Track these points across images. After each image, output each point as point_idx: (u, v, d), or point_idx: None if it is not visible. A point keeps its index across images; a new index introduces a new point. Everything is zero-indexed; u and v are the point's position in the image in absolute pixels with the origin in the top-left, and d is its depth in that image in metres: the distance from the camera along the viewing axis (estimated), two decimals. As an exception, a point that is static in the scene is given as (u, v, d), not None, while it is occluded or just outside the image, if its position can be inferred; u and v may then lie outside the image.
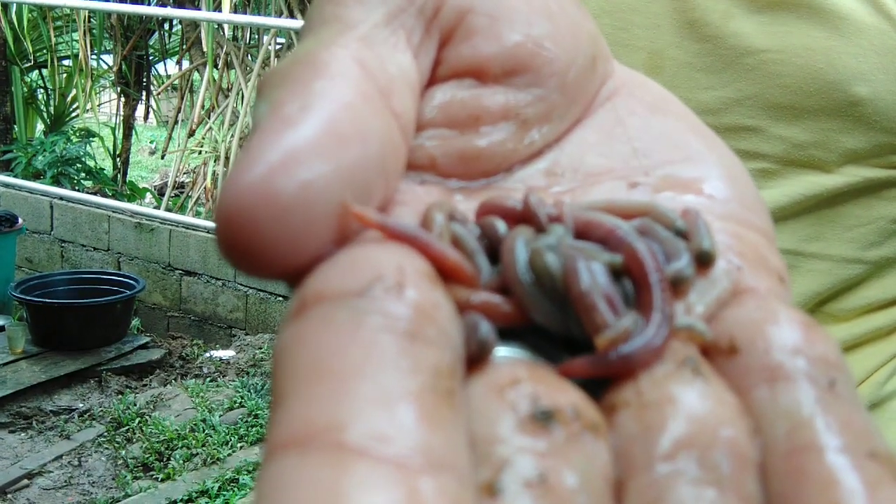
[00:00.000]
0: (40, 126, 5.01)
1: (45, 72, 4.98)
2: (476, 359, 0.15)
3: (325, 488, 0.11)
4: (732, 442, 0.14)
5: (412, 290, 0.14)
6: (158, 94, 5.20)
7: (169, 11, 4.01)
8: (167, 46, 4.86)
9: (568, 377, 0.15)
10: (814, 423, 0.14)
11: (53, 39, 4.52)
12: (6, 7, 4.35)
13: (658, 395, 0.14)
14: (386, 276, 0.14)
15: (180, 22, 4.33)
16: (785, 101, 0.44)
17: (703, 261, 0.17)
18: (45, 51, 4.71)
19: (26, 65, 4.81)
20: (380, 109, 0.16)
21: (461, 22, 0.19)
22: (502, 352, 0.16)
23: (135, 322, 3.06)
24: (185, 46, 4.28)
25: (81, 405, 2.55)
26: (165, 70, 4.98)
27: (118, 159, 4.72)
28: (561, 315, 0.16)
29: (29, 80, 4.98)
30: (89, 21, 4.36)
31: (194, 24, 4.02)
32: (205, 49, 3.93)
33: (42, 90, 5.07)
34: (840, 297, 0.47)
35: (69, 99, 4.99)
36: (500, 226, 0.17)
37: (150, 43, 4.85)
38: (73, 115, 5.00)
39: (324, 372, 0.13)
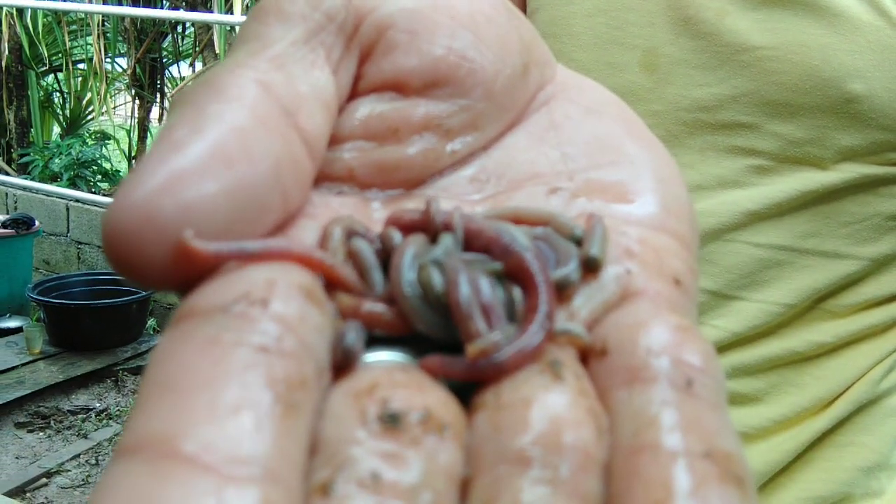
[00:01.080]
0: (56, 129, 5.06)
1: (60, 76, 5.02)
2: (342, 366, 0.15)
3: (141, 493, 0.12)
4: (577, 442, 0.14)
5: (277, 303, 0.14)
6: (172, 96, 5.23)
7: (181, 14, 4.04)
8: (180, 49, 4.90)
9: (432, 375, 0.16)
10: (658, 423, 0.14)
11: (68, 43, 4.57)
12: (21, 12, 4.40)
13: (514, 398, 0.15)
14: (253, 291, 0.14)
15: (193, 25, 4.36)
16: (780, 97, 0.44)
17: (591, 266, 0.17)
18: (60, 55, 4.76)
19: (42, 69, 4.86)
20: (278, 129, 0.17)
21: (381, 37, 0.20)
22: (384, 356, 0.16)
23: (150, 322, 3.08)
24: (197, 49, 4.31)
25: (98, 405, 2.58)
26: (179, 72, 5.02)
27: (134, 161, 4.76)
28: (444, 325, 0.16)
29: (45, 83, 5.03)
30: (103, 25, 4.40)
31: (207, 27, 4.05)
32: (217, 51, 3.96)
33: (58, 94, 5.12)
34: (837, 293, 0.47)
35: (84, 102, 5.04)
36: (396, 237, 0.18)
37: (164, 46, 4.89)
38: (89, 118, 5.05)
39: (172, 385, 0.13)
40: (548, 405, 0.15)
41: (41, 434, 2.42)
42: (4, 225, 3.03)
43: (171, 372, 0.13)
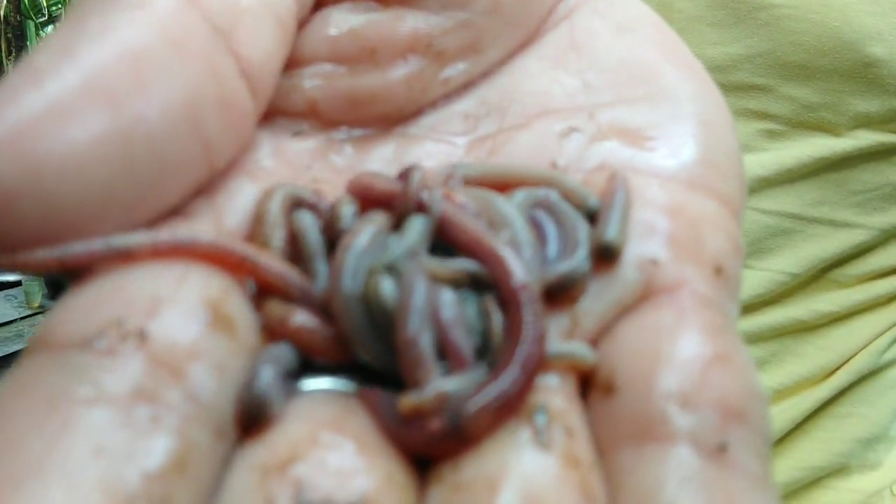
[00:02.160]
0: (56, 82, 5.03)
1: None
2: (252, 421, 0.11)
3: None
4: None
5: (161, 334, 0.11)
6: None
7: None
8: None
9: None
10: None
11: (68, -6, 4.51)
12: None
13: (477, 473, 0.11)
14: (129, 315, 0.11)
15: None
16: (797, 59, 0.43)
17: (606, 255, 0.13)
18: (59, 5, 4.70)
19: (41, 19, 4.80)
20: (199, 53, 0.13)
21: None
22: (323, 385, 0.12)
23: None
24: None
25: (95, 359, 2.60)
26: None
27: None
28: (392, 355, 0.12)
29: (44, 34, 4.97)
30: (104, -25, 4.34)
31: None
32: None
33: (57, 45, 5.08)
34: (843, 263, 0.46)
35: (84, 55, 5.00)
36: (347, 215, 0.14)
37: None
38: (89, 71, 5.01)
39: (7, 455, 0.10)
40: (523, 484, 0.11)
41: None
42: None
43: (9, 433, 0.10)
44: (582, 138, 0.16)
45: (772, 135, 0.44)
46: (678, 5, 0.45)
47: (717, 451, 0.11)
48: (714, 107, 0.16)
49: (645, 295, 0.13)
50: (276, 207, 0.13)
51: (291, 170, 0.15)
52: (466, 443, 0.11)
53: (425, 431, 0.11)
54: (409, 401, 0.11)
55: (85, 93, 0.11)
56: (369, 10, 0.15)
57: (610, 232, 0.13)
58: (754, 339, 0.47)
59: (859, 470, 0.49)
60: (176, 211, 0.13)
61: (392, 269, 0.13)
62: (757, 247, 0.46)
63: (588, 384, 0.12)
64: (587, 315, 0.13)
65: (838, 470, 0.48)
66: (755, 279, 0.46)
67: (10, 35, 4.68)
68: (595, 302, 0.13)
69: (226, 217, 0.14)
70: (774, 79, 0.43)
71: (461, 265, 0.13)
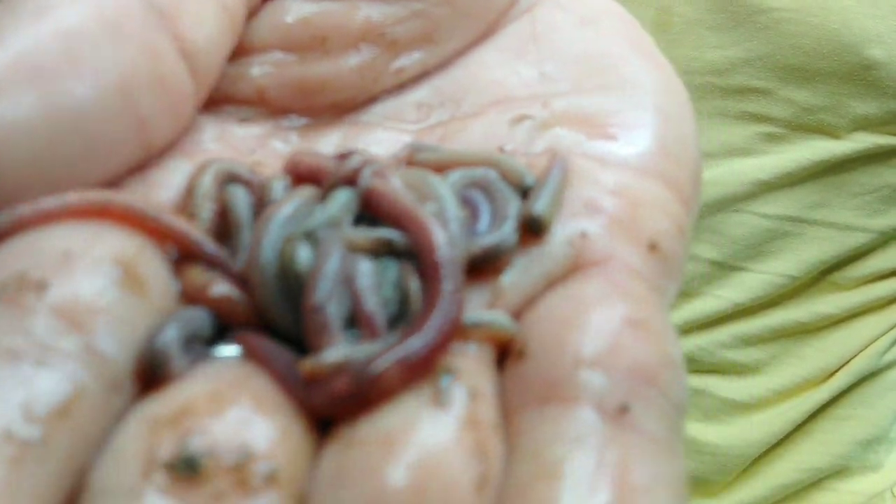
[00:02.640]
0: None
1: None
2: (153, 377, 0.11)
3: None
4: (446, 498, 0.10)
5: (62, 286, 0.11)
6: None
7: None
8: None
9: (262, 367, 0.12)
10: (560, 473, 0.10)
11: None
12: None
13: (371, 432, 0.11)
14: (32, 269, 0.11)
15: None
16: (797, 62, 0.43)
17: (534, 228, 0.13)
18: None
19: None
20: (137, 35, 0.13)
21: None
22: (236, 352, 0.12)
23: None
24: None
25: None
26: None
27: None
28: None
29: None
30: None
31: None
32: None
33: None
34: (843, 266, 0.46)
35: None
36: (278, 188, 0.14)
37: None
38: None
39: None
40: (416, 443, 0.11)
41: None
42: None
43: None
44: (533, 125, 0.15)
45: (771, 138, 0.44)
46: (677, 9, 0.45)
47: (619, 413, 0.11)
48: (675, 99, 0.16)
49: (574, 268, 0.13)
50: (207, 180, 0.14)
51: (234, 153, 0.15)
52: (369, 404, 0.11)
53: (326, 392, 0.11)
54: (309, 363, 0.11)
55: (14, 70, 0.12)
56: (321, 0, 0.15)
57: (539, 205, 0.14)
58: (754, 341, 0.47)
59: (860, 471, 0.49)
60: (109, 186, 0.13)
61: (311, 238, 0.13)
62: (757, 250, 0.46)
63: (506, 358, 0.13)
64: (512, 287, 0.13)
65: (839, 471, 0.48)
66: (755, 282, 0.46)
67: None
68: (521, 274, 0.13)
69: (158, 192, 0.14)
70: (774, 82, 0.44)
71: (382, 233, 0.13)
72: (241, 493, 0.10)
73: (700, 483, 0.48)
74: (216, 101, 0.15)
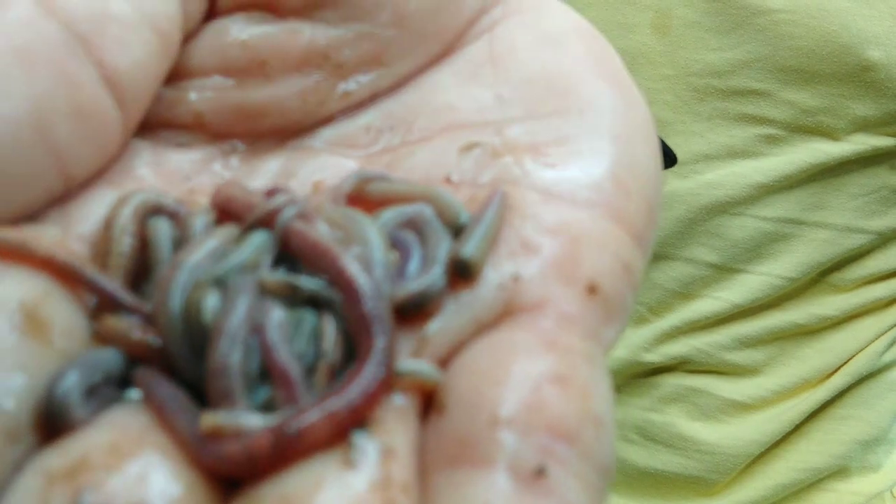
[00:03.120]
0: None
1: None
2: (54, 427, 0.11)
3: None
4: None
5: None
6: None
7: None
8: None
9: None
10: None
11: None
12: None
13: (273, 493, 0.10)
14: None
15: None
16: (796, 64, 0.43)
17: (463, 272, 0.13)
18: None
19: None
20: (51, 63, 0.12)
21: None
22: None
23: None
24: None
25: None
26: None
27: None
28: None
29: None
30: None
31: None
32: None
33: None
34: (841, 267, 0.47)
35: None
36: (198, 227, 0.13)
37: None
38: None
39: None
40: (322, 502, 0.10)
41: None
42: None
43: None
44: (482, 153, 0.15)
45: (771, 140, 0.44)
46: (676, 12, 0.45)
47: (534, 476, 0.10)
48: (634, 122, 0.15)
49: (506, 313, 0.13)
50: (127, 213, 0.13)
51: (167, 180, 0.14)
52: (269, 467, 0.11)
53: (223, 452, 0.11)
54: (210, 419, 0.11)
55: None
56: (263, 22, 0.15)
57: (467, 248, 0.13)
58: (753, 342, 0.48)
59: (859, 472, 0.49)
60: (28, 219, 0.13)
61: (221, 284, 0.12)
62: (756, 252, 0.46)
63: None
64: (439, 335, 0.13)
65: (838, 472, 0.48)
66: (754, 283, 0.46)
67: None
68: (449, 321, 0.13)
69: (77, 224, 0.13)
70: (773, 83, 0.44)
71: (299, 281, 0.12)
72: None
73: (699, 483, 0.48)
74: (152, 126, 0.15)
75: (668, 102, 0.46)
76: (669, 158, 0.45)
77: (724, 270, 0.47)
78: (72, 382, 0.11)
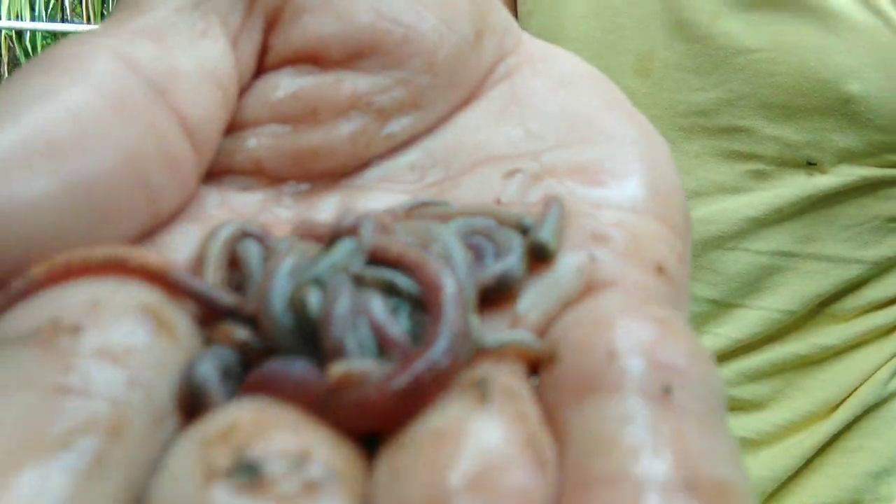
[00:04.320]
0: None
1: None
2: (194, 408, 0.12)
3: None
4: (508, 486, 0.10)
5: (96, 331, 0.11)
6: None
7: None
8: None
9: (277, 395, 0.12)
10: (617, 444, 0.10)
11: (67, 64, 4.61)
12: (20, 35, 4.43)
13: (420, 432, 0.11)
14: (67, 315, 0.11)
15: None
16: (777, 100, 0.44)
17: (540, 254, 0.14)
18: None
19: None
20: (139, 113, 0.14)
21: (288, 0, 0.16)
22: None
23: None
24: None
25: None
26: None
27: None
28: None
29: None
30: (102, 45, 4.44)
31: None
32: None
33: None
34: (839, 297, 0.47)
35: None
36: (284, 244, 0.14)
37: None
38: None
39: None
40: (467, 438, 0.11)
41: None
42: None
43: None
44: (524, 178, 0.16)
45: (759, 175, 0.45)
46: (658, 54, 0.46)
47: (662, 394, 0.11)
48: (656, 147, 0.17)
49: (587, 291, 0.14)
50: (221, 238, 0.14)
51: (238, 217, 0.16)
52: (404, 412, 0.11)
53: (360, 398, 0.11)
54: (337, 368, 0.11)
55: (29, 148, 0.12)
56: (310, 74, 0.16)
57: (543, 233, 0.14)
58: (757, 376, 0.47)
59: (872, 504, 0.48)
60: None
61: (319, 283, 0.13)
62: (753, 286, 0.46)
63: (537, 372, 0.13)
64: (529, 311, 0.14)
65: (851, 505, 0.48)
66: (753, 318, 0.46)
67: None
68: (536, 298, 0.14)
69: (168, 255, 0.14)
70: (757, 120, 0.44)
71: (390, 275, 0.13)
72: (306, 495, 0.10)
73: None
74: (216, 173, 0.16)
75: None
76: None
77: (722, 306, 0.47)
78: (209, 366, 0.12)
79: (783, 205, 0.45)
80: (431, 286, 0.13)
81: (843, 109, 0.43)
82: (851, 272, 0.46)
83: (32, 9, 3.83)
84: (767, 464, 0.47)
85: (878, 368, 0.47)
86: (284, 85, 0.16)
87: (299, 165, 0.16)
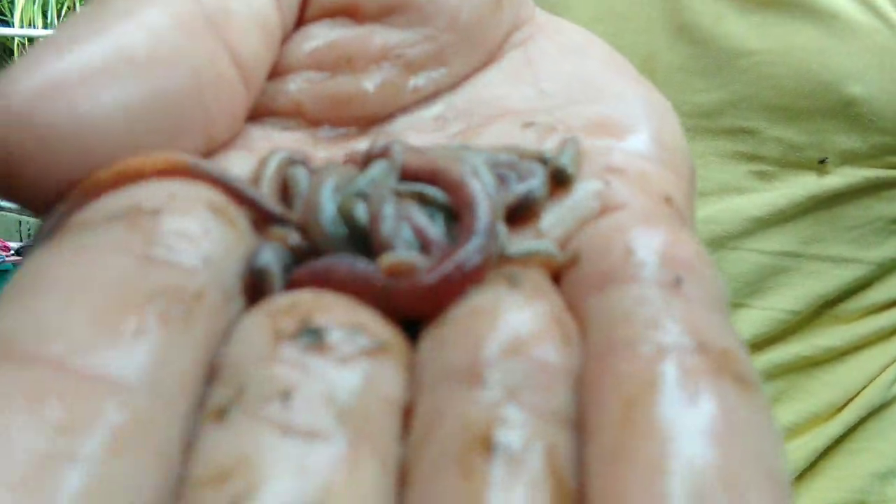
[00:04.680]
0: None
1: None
2: (257, 291, 0.13)
3: None
4: (539, 353, 0.12)
5: (174, 215, 0.13)
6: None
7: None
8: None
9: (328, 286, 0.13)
10: (635, 317, 0.12)
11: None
12: (32, 42, 4.47)
13: (461, 310, 0.13)
14: (147, 202, 0.13)
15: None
16: (780, 102, 0.44)
17: (560, 179, 0.15)
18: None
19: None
20: (201, 38, 0.15)
21: None
22: None
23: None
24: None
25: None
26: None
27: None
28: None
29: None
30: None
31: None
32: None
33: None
34: (843, 298, 0.47)
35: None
36: (328, 169, 0.16)
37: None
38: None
39: (38, 288, 0.11)
40: (502, 314, 0.12)
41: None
42: (18, 252, 3.06)
43: (39, 276, 0.11)
44: (540, 128, 0.18)
45: (762, 175, 0.45)
46: (661, 56, 0.47)
47: (674, 284, 0.12)
48: (661, 105, 0.19)
49: (602, 211, 0.15)
50: (274, 161, 0.16)
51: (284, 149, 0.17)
52: (445, 297, 0.13)
53: (409, 284, 0.13)
54: (388, 258, 0.13)
55: (112, 62, 0.14)
56: (345, 26, 0.18)
57: (563, 159, 0.16)
58: (762, 377, 0.47)
59: (878, 505, 0.48)
60: None
61: (361, 196, 0.15)
62: (756, 287, 0.47)
63: (558, 280, 0.14)
64: (551, 228, 0.15)
65: (857, 507, 0.48)
66: (756, 319, 0.47)
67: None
68: (556, 217, 0.15)
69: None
70: (760, 121, 0.45)
71: (424, 189, 0.15)
72: (363, 358, 0.12)
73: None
74: (260, 114, 0.17)
75: None
76: None
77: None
78: (271, 255, 0.14)
79: (787, 205, 0.45)
80: (462, 192, 0.14)
81: (846, 111, 0.43)
82: (855, 273, 0.46)
83: (45, 15, 3.87)
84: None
85: (883, 370, 0.47)
86: (323, 35, 0.18)
87: (335, 109, 0.18)
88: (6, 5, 3.91)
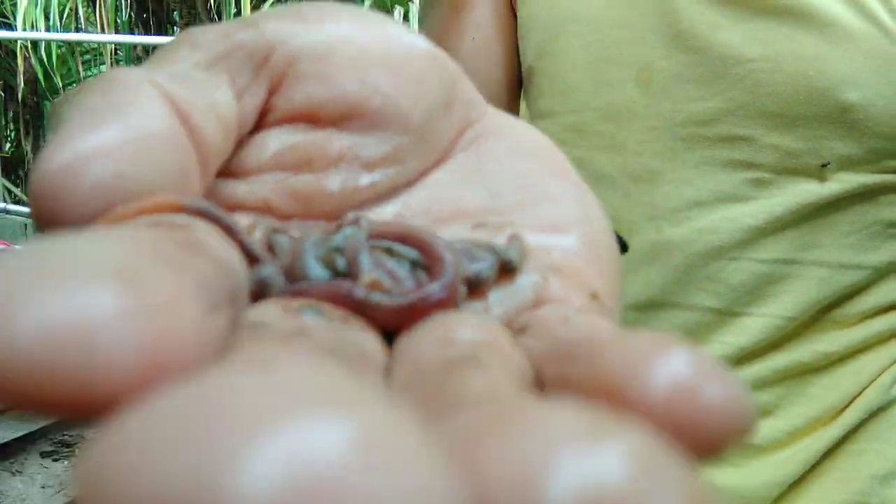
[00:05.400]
0: (73, 158, 5.12)
1: (75, 105, 5.09)
2: (260, 299, 0.15)
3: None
4: (496, 342, 0.15)
5: (199, 225, 0.14)
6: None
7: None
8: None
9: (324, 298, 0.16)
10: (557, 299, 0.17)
11: (82, 73, 4.64)
12: (35, 45, 4.48)
13: (427, 324, 0.15)
14: (174, 219, 0.14)
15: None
16: (776, 109, 0.44)
17: (507, 268, 0.18)
18: (74, 84, 4.83)
19: (57, 99, 4.93)
20: (178, 129, 0.16)
21: (291, 68, 0.19)
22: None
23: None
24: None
25: (122, 430, 2.60)
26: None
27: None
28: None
29: (61, 113, 5.09)
30: (116, 54, 4.47)
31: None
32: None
33: (74, 123, 5.19)
34: (841, 304, 0.47)
35: (100, 130, 5.10)
36: (304, 234, 0.18)
37: (176, 71, 4.94)
38: (105, 145, 5.11)
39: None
40: (467, 327, 0.15)
41: (67, 463, 2.45)
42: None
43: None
44: (491, 228, 0.20)
45: (759, 183, 0.46)
46: (658, 65, 0.47)
47: (590, 298, 0.18)
48: (591, 206, 0.21)
49: (538, 302, 0.18)
50: (261, 229, 0.18)
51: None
52: (417, 316, 0.16)
53: (377, 300, 0.16)
54: (367, 276, 0.16)
55: (126, 138, 0.15)
56: (305, 131, 0.20)
57: (511, 252, 0.18)
58: (760, 384, 0.48)
59: (879, 507, 0.48)
60: None
61: (338, 250, 0.17)
62: (755, 294, 0.47)
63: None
64: (493, 307, 0.18)
65: (858, 509, 0.48)
66: (755, 325, 0.47)
67: (27, 116, 4.81)
68: (499, 299, 0.18)
69: None
70: (756, 129, 0.45)
71: (393, 246, 0.17)
72: (350, 324, 0.15)
73: (721, 528, 0.47)
74: (231, 209, 0.19)
75: (657, 153, 0.47)
76: (622, 245, 0.46)
77: (726, 315, 0.47)
78: (272, 268, 0.16)
79: (784, 213, 0.45)
80: (432, 249, 0.17)
81: (842, 117, 0.43)
82: (852, 278, 0.46)
83: (47, 18, 3.87)
84: (775, 469, 0.47)
85: (881, 374, 0.48)
86: (284, 138, 0.20)
87: (301, 204, 0.19)
88: (8, 7, 3.91)
